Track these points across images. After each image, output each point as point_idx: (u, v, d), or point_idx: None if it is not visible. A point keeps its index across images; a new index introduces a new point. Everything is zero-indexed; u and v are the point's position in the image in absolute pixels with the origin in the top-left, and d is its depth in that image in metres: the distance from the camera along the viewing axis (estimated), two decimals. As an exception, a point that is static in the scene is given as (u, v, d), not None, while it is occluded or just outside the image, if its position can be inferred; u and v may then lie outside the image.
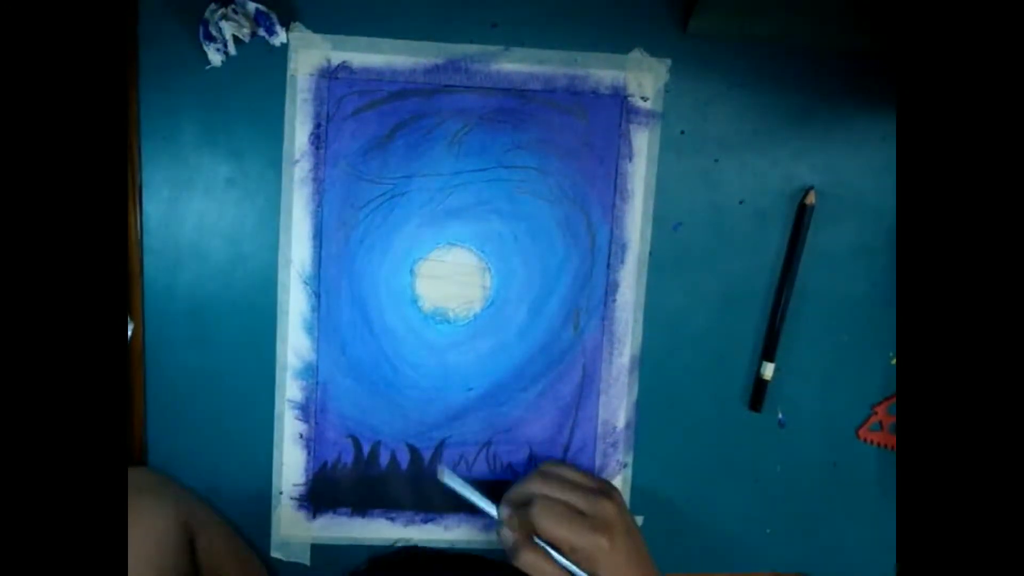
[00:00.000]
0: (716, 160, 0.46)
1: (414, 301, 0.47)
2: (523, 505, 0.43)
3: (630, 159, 0.46)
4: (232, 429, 0.47)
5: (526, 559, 0.41)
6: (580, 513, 0.42)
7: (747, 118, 0.46)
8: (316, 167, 0.45)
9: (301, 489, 0.48)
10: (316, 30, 0.44)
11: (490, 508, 0.44)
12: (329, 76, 0.44)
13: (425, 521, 0.48)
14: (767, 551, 0.50)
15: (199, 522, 0.44)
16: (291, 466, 0.47)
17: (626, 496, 0.49)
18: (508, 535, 0.43)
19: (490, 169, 0.46)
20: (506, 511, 0.43)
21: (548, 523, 0.41)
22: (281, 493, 0.47)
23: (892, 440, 0.49)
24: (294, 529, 0.48)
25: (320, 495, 0.48)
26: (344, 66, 0.44)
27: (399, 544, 0.48)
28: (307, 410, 0.47)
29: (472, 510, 0.48)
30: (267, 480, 0.47)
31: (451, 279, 0.47)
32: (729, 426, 0.49)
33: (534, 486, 0.43)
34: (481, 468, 0.48)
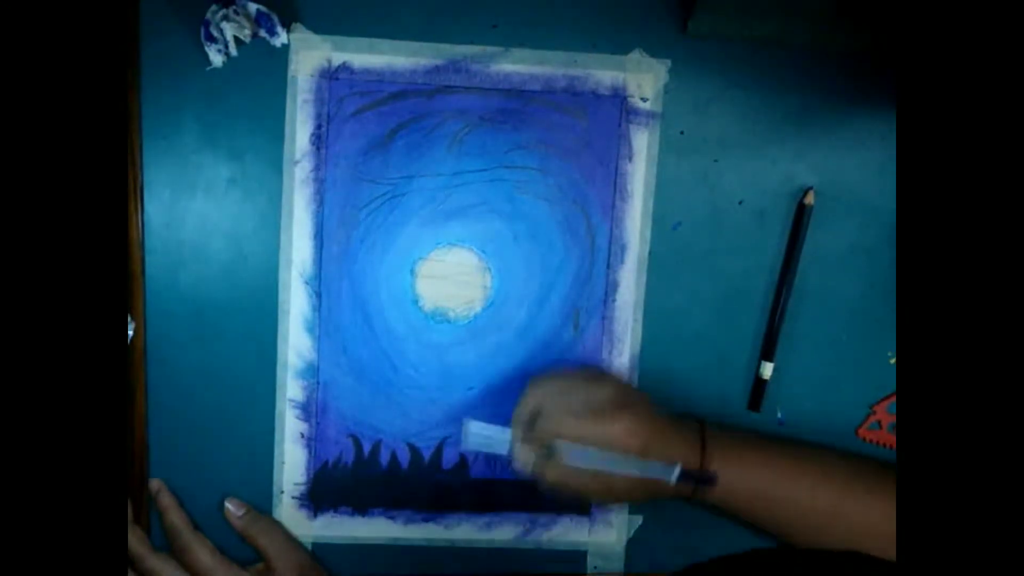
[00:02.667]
0: (716, 160, 0.47)
1: (415, 301, 0.47)
2: (531, 422, 0.42)
3: (630, 159, 0.46)
4: (233, 428, 0.47)
5: (551, 474, 0.41)
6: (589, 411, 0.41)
7: (747, 118, 0.46)
8: (317, 167, 0.45)
9: (302, 488, 0.48)
10: (317, 31, 0.44)
11: (507, 436, 0.42)
12: (330, 77, 0.44)
13: (426, 520, 0.48)
14: (767, 550, 0.50)
15: None
16: (292, 465, 0.47)
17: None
18: (527, 456, 0.41)
19: (490, 169, 0.46)
20: (519, 432, 0.42)
21: (557, 425, 0.40)
22: (282, 492, 0.48)
23: (891, 440, 0.49)
24: (295, 528, 0.48)
25: (321, 494, 0.48)
26: (345, 67, 0.44)
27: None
28: (308, 409, 0.47)
29: (476, 509, 0.48)
30: (268, 479, 0.47)
31: (451, 279, 0.47)
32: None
33: (532, 399, 0.42)
34: (481, 467, 0.48)
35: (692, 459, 0.42)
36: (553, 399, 0.42)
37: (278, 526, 0.47)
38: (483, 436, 0.43)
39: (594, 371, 0.45)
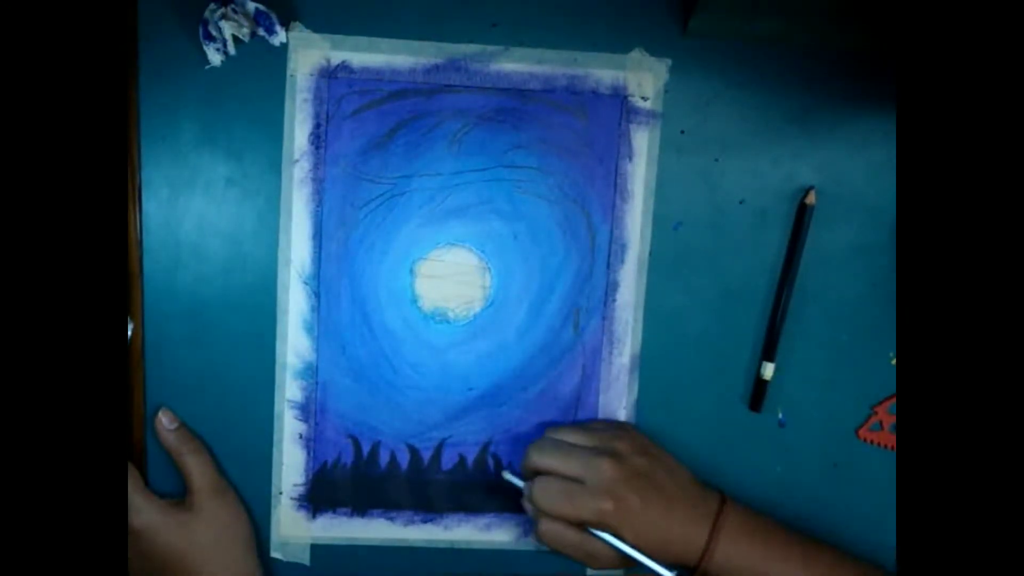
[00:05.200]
0: (716, 160, 0.46)
1: (414, 301, 0.47)
2: (528, 478, 0.44)
3: (630, 159, 0.46)
4: (232, 429, 0.47)
5: (543, 530, 0.42)
6: (579, 482, 0.41)
7: (747, 118, 0.46)
8: (316, 167, 0.45)
9: (301, 489, 0.47)
10: (316, 30, 0.44)
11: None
12: (329, 76, 0.44)
13: (425, 521, 0.48)
14: (767, 551, 0.50)
15: None
16: (291, 466, 0.47)
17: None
18: (528, 507, 0.44)
19: (490, 169, 0.46)
20: (525, 487, 0.44)
21: (546, 503, 0.42)
22: (281, 493, 0.47)
23: (892, 440, 0.49)
24: (294, 529, 0.48)
25: (320, 495, 0.48)
26: (344, 66, 0.44)
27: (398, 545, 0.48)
28: (307, 410, 0.47)
29: (476, 509, 0.48)
30: (267, 480, 0.47)
31: (451, 279, 0.47)
32: (729, 426, 0.49)
33: (532, 458, 0.43)
34: (481, 468, 0.48)
35: (701, 534, 0.42)
36: (548, 472, 0.42)
37: (207, 450, 0.46)
38: (515, 483, 0.45)
39: (603, 436, 0.44)
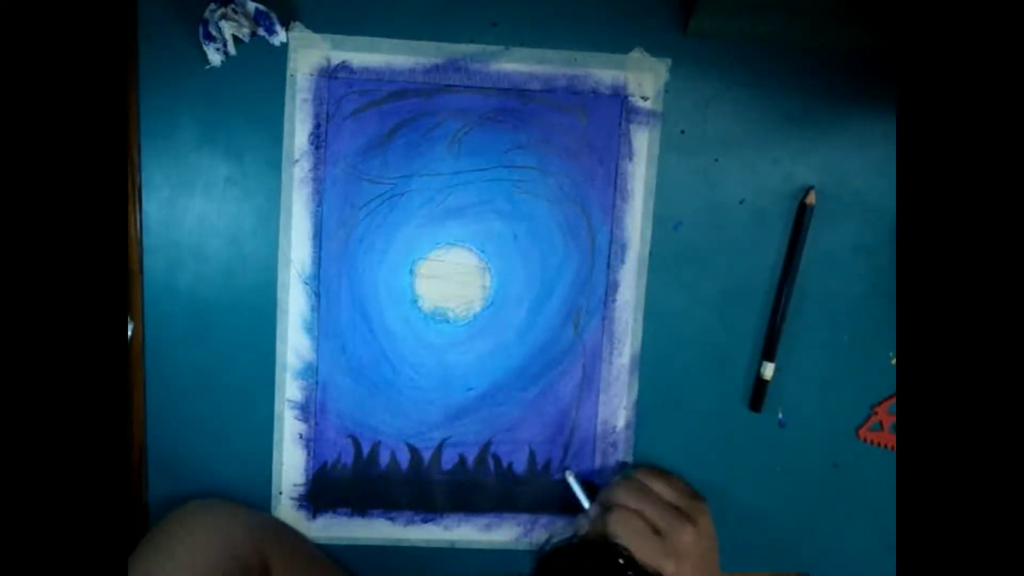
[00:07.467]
0: (716, 160, 0.46)
1: (414, 301, 0.47)
2: (608, 508, 0.44)
3: (630, 159, 0.46)
4: (232, 429, 0.47)
5: None
6: (656, 532, 0.42)
7: (747, 118, 0.46)
8: (316, 167, 0.45)
9: (301, 489, 0.47)
10: (316, 30, 0.44)
11: (586, 504, 0.47)
12: (329, 76, 0.44)
13: (425, 521, 0.48)
14: (767, 551, 0.50)
15: (272, 549, 0.43)
16: (291, 466, 0.47)
17: (626, 496, 0.49)
18: (583, 525, 0.45)
19: (490, 169, 0.46)
20: (594, 509, 0.45)
21: (621, 535, 0.42)
22: (281, 493, 0.47)
23: (892, 440, 0.49)
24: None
25: (320, 495, 0.48)
26: (344, 66, 0.44)
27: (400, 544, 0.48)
28: (307, 410, 0.47)
29: (476, 509, 0.48)
30: (267, 480, 0.47)
31: (451, 279, 0.47)
32: (729, 426, 0.49)
33: (620, 493, 0.44)
34: (481, 468, 0.48)
35: None
36: (633, 510, 0.43)
37: None
38: (574, 489, 0.48)
39: (691, 502, 0.44)
